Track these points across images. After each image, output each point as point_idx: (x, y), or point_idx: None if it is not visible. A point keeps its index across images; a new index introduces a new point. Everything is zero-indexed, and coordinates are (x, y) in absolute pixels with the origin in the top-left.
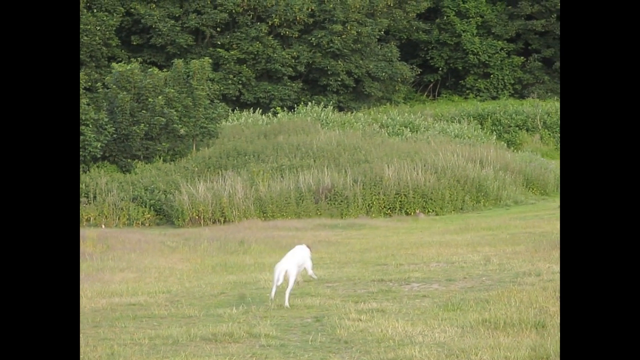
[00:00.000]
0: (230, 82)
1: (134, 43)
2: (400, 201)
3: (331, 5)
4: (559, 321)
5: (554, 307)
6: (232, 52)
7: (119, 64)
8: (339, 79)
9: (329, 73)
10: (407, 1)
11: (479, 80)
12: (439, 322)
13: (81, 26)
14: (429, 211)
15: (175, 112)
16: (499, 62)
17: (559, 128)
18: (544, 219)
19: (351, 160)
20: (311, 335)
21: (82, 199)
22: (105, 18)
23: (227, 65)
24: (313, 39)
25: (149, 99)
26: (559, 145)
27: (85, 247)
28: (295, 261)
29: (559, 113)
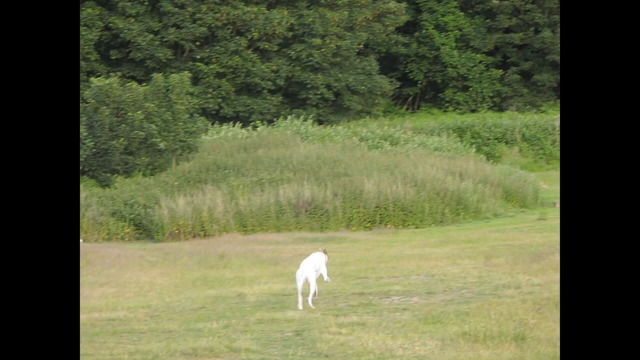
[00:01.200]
0: (209, 96)
1: (113, 57)
2: (380, 214)
3: (310, 19)
4: (538, 333)
5: (534, 320)
6: (211, 66)
7: (98, 78)
8: (319, 93)
9: (309, 87)
10: (386, 15)
11: (458, 93)
12: (419, 335)
13: None
14: (408, 224)
15: (154, 127)
16: (478, 75)
17: (537, 140)
18: (523, 232)
19: (331, 173)
20: (292, 349)
21: None
22: (84, 32)
23: (207, 79)
24: (292, 52)
25: (128, 114)
26: (537, 158)
27: None
28: (312, 266)
29: (537, 125)
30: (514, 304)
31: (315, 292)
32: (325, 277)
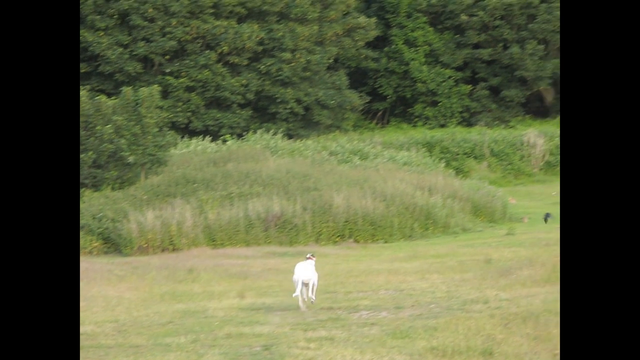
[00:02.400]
0: (179, 109)
1: (82, 70)
2: (350, 229)
3: (280, 34)
4: (506, 348)
5: (501, 335)
6: (181, 80)
7: None
8: (288, 107)
9: (278, 101)
10: (356, 30)
11: (427, 108)
12: (387, 350)
13: None
14: (378, 239)
15: (123, 140)
16: (447, 90)
17: (506, 156)
18: (492, 246)
19: (300, 187)
20: None
21: None
22: None
23: (176, 92)
24: (262, 66)
25: (97, 127)
26: (506, 173)
27: None
28: (307, 271)
29: (505, 141)
30: (482, 318)
31: (314, 289)
32: (312, 295)
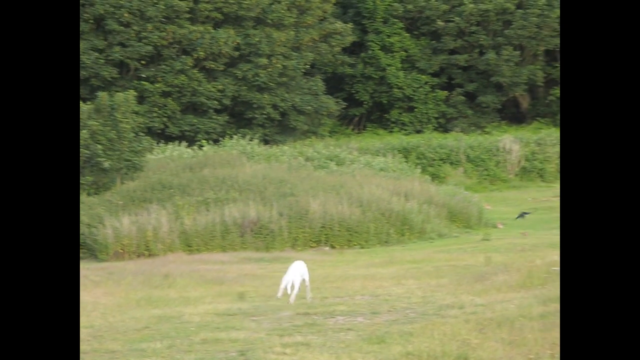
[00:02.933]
0: (155, 115)
1: None
2: (326, 234)
3: (257, 39)
4: (481, 353)
5: (477, 340)
6: (157, 85)
7: None
8: (265, 112)
9: (255, 106)
10: (332, 35)
11: (404, 114)
12: (363, 355)
13: None
14: (354, 244)
15: (99, 146)
16: (423, 96)
17: (482, 162)
18: (468, 252)
19: (277, 193)
20: None
21: None
22: None
23: (152, 98)
24: (238, 72)
25: None
26: (482, 179)
27: None
28: (298, 273)
29: (482, 147)
30: (457, 324)
31: (296, 293)
32: (307, 283)
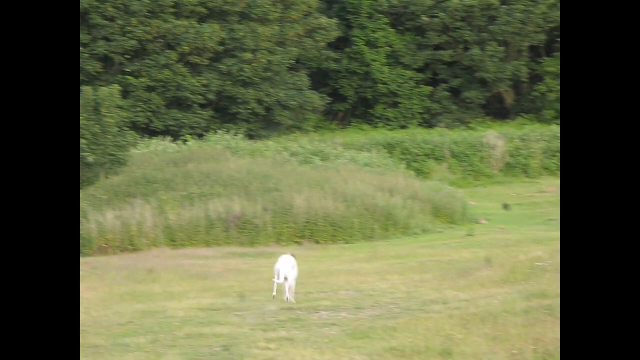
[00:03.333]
0: (139, 109)
1: None
2: (310, 229)
3: (241, 34)
4: (464, 348)
5: (460, 335)
6: (141, 80)
7: None
8: (249, 107)
9: (239, 101)
10: (317, 30)
11: (388, 109)
12: (346, 350)
13: None
14: (338, 239)
15: (83, 140)
16: (408, 91)
17: (466, 157)
18: (452, 247)
19: (261, 188)
20: None
21: None
22: None
23: (137, 92)
24: (223, 67)
25: None
26: (466, 174)
27: None
28: (289, 264)
29: (466, 142)
30: (441, 319)
31: (291, 287)
32: (287, 293)
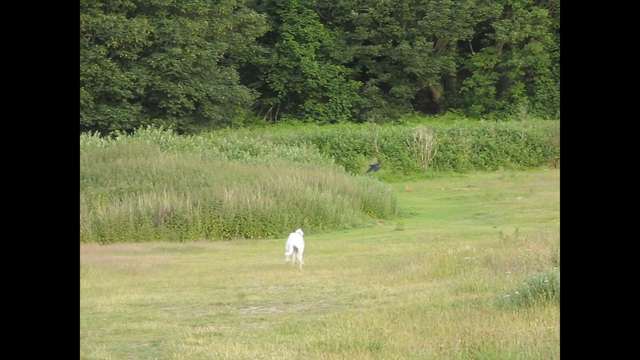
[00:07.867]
0: None
1: None
2: (240, 224)
3: (170, 29)
4: (393, 343)
5: (389, 329)
6: None
7: None
8: (179, 102)
9: (169, 96)
10: (247, 25)
11: (318, 104)
12: (276, 345)
13: None
14: (268, 234)
15: None
16: (337, 86)
17: (395, 152)
18: (381, 242)
19: (191, 183)
20: None
21: None
22: None
23: None
24: (152, 61)
25: None
26: (395, 169)
27: None
28: (299, 239)
29: (395, 137)
30: (370, 313)
31: (301, 254)
32: (300, 260)
